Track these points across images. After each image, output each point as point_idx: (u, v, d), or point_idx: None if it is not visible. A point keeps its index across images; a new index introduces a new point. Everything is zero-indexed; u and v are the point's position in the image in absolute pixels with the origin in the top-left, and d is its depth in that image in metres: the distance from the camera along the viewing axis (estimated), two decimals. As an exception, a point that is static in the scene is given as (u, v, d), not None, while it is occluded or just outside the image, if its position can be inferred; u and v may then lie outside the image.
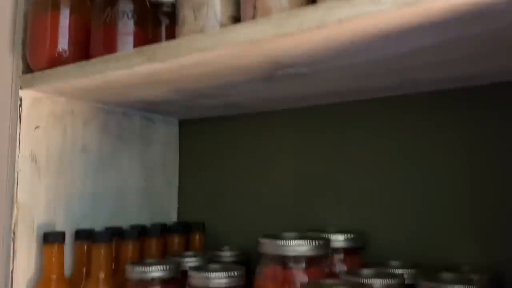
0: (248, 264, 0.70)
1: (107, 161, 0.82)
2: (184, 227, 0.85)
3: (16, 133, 0.68)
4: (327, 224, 0.76)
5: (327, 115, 0.80)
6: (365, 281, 0.55)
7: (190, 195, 0.95)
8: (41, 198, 0.71)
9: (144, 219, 0.87)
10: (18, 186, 0.68)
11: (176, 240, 0.83)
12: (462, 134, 0.68)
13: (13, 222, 0.67)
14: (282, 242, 0.59)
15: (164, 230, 0.82)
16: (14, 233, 0.67)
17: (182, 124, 0.98)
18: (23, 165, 0.68)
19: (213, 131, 0.94)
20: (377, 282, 0.54)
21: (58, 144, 0.74)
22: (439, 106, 0.70)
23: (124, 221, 0.81)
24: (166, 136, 0.94)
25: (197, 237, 0.86)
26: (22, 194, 0.68)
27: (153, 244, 0.79)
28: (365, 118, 0.76)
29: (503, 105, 0.65)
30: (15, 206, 0.67)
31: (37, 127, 0.70)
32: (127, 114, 0.86)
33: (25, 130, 0.69)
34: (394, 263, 0.66)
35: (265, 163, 0.86)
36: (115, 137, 0.84)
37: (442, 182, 0.69)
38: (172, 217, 0.93)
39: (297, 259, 0.59)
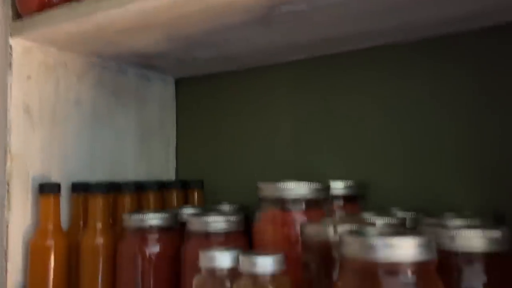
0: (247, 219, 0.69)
1: (103, 117, 0.80)
2: (182, 184, 0.84)
3: (7, 82, 0.67)
4: (327, 177, 0.75)
5: (324, 67, 0.78)
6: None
7: (188, 154, 0.94)
8: (35, 149, 0.69)
9: (142, 177, 0.85)
10: (11, 137, 0.66)
11: (174, 197, 0.82)
12: (462, 80, 0.67)
13: (7, 173, 0.66)
14: (282, 185, 0.58)
15: (162, 186, 0.81)
16: (8, 185, 0.66)
17: (178, 83, 0.96)
18: (15, 115, 0.67)
19: (209, 89, 0.92)
20: (379, 220, 0.53)
21: (51, 95, 0.72)
22: (438, 53, 0.68)
23: (121, 178, 0.80)
24: (163, 95, 0.93)
25: (196, 194, 0.85)
26: (16, 144, 0.67)
27: (151, 199, 0.78)
28: (363, 68, 0.75)
29: (505, 48, 0.64)
30: (8, 156, 0.66)
31: (28, 77, 0.69)
32: (122, 70, 0.84)
33: (16, 79, 0.67)
34: (394, 209, 0.66)
35: (262, 118, 0.85)
36: (110, 93, 0.82)
37: (442, 129, 0.68)
38: (170, 175, 0.92)
39: (296, 201, 0.58)
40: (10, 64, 0.66)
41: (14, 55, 0.67)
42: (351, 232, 0.41)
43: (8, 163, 0.66)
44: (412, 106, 0.70)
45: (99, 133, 0.80)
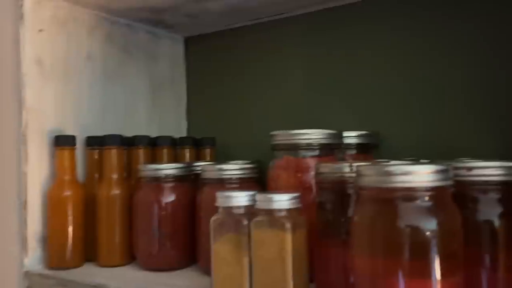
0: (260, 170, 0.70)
1: (114, 73, 0.81)
2: (194, 141, 0.85)
3: (20, 36, 0.67)
4: (339, 129, 0.75)
5: (335, 19, 0.77)
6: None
7: (199, 112, 0.95)
8: (49, 103, 0.70)
9: (154, 135, 0.86)
10: (25, 90, 0.67)
11: (186, 154, 0.83)
12: (474, 28, 0.66)
13: (23, 125, 0.67)
14: (295, 131, 0.59)
15: (174, 143, 0.82)
16: (24, 137, 0.67)
17: (188, 41, 0.95)
18: (29, 68, 0.67)
19: (218, 46, 0.91)
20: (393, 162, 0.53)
21: (63, 49, 0.72)
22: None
23: (134, 134, 0.80)
24: (172, 53, 0.93)
25: (208, 151, 0.85)
26: (30, 98, 0.67)
27: (164, 154, 0.78)
28: (374, 17, 0.74)
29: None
30: (24, 109, 0.67)
31: (40, 30, 0.69)
32: (131, 26, 0.84)
33: (28, 32, 0.67)
34: (409, 159, 0.66)
35: (273, 73, 0.85)
36: (120, 49, 0.82)
37: (454, 77, 0.67)
38: (182, 133, 0.93)
39: (309, 148, 0.58)
40: (21, 17, 0.66)
41: (25, 7, 0.67)
42: (367, 165, 0.42)
43: (24, 116, 0.67)
44: (423, 55, 0.70)
45: (111, 89, 0.80)
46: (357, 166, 0.42)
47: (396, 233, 0.37)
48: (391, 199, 0.38)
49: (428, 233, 0.37)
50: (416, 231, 0.37)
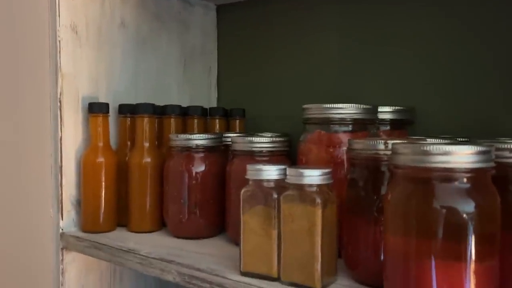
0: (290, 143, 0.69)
1: (146, 40, 0.80)
2: (224, 112, 0.84)
3: (55, 2, 0.67)
4: (373, 104, 0.73)
5: (376, -11, 0.74)
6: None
7: (229, 83, 0.94)
8: (83, 69, 0.71)
9: (184, 103, 0.86)
10: (61, 56, 0.67)
11: (216, 124, 0.83)
12: (529, -2, 0.62)
13: (59, 91, 0.68)
14: (328, 105, 0.57)
15: (205, 113, 0.82)
16: (60, 102, 0.68)
17: (220, 9, 0.94)
18: (64, 34, 0.68)
19: (250, 15, 0.89)
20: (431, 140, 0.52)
21: (97, 16, 0.72)
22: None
23: (165, 103, 0.80)
24: (204, 21, 0.91)
25: (237, 122, 0.85)
26: (66, 63, 0.68)
27: (195, 124, 0.79)
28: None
29: None
30: (59, 75, 0.68)
31: (75, -4, 0.69)
32: (164, -7, 0.83)
33: (63, -2, 0.67)
34: (445, 136, 0.63)
35: (306, 44, 0.83)
36: (153, 16, 0.81)
37: (492, 55, 0.64)
38: (212, 104, 0.93)
39: (342, 122, 0.57)
40: (56, -18, 0.67)
41: (61, -27, 0.67)
42: (404, 143, 0.40)
43: (60, 81, 0.68)
44: (465, 26, 0.66)
45: (143, 57, 0.80)
46: (393, 143, 0.41)
47: (431, 213, 0.36)
48: (428, 179, 0.37)
49: (465, 215, 0.36)
50: (453, 213, 0.36)
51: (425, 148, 0.37)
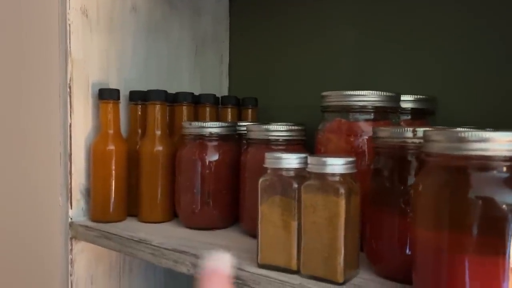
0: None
1: (158, 26, 0.78)
2: (236, 100, 0.82)
3: (65, -16, 0.65)
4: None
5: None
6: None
7: (241, 71, 0.92)
8: (94, 54, 0.69)
9: (195, 91, 0.84)
10: (71, 40, 0.65)
11: (228, 113, 0.81)
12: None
13: (69, 77, 0.66)
14: (348, 92, 0.55)
15: (216, 102, 0.80)
16: (70, 88, 0.66)
17: (232, -4, 0.91)
18: (74, 17, 0.66)
19: (264, 3, 0.87)
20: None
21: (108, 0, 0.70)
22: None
23: (175, 90, 0.78)
24: (216, 8, 0.89)
25: (250, 112, 0.83)
26: (76, 48, 0.66)
27: (207, 112, 0.77)
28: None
29: None
30: (69, 60, 0.66)
31: (86, -22, 0.66)
32: (176, -22, 0.81)
33: (74, -20, 0.65)
34: (468, 127, 0.61)
35: (321, 31, 0.80)
36: (165, 1, 0.79)
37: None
38: (223, 93, 0.91)
39: (363, 110, 0.55)
40: (67, -36, 0.64)
41: (71, -46, 0.64)
42: (437, 130, 0.38)
43: (69, 67, 0.66)
44: (489, 12, 0.63)
45: (154, 43, 0.78)
46: (424, 130, 0.38)
47: (466, 205, 0.34)
48: (463, 168, 0.35)
49: (504, 206, 0.33)
50: (490, 204, 0.34)
51: (461, 135, 0.34)
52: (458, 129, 0.37)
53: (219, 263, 0.21)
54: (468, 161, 0.34)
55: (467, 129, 0.35)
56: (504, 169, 0.34)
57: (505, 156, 0.34)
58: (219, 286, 0.20)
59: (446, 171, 0.36)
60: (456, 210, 0.35)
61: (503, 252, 0.33)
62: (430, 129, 0.39)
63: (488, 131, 0.35)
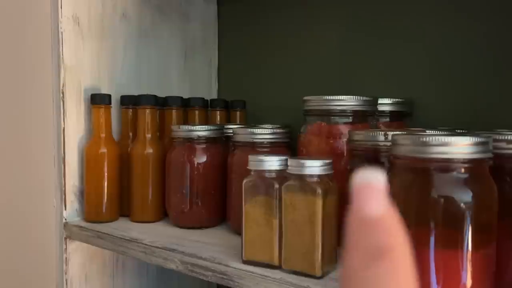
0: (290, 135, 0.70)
1: (148, 32, 0.81)
2: (225, 103, 0.85)
3: (58, -7, 0.67)
4: (372, 96, 0.74)
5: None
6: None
7: (230, 75, 0.94)
8: (86, 61, 0.71)
9: (185, 95, 0.87)
10: (63, 47, 0.68)
11: (217, 116, 0.84)
12: (528, -9, 0.62)
13: (61, 82, 0.68)
14: (328, 97, 0.58)
15: (206, 105, 0.82)
16: (63, 93, 0.68)
17: (221, 1, 0.94)
18: (66, 25, 0.68)
19: (251, 8, 0.90)
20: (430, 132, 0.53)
21: (99, 7, 0.72)
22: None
23: (165, 95, 0.81)
24: (205, 14, 0.92)
25: (238, 114, 0.86)
26: (68, 55, 0.69)
27: (196, 115, 0.79)
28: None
29: None
30: (62, 66, 0.68)
31: (77, -13, 0.69)
32: (165, -15, 0.83)
33: (65, -11, 0.68)
34: (443, 128, 0.64)
35: (306, 36, 0.83)
36: (155, 7, 0.82)
37: (495, 44, 0.64)
38: (213, 96, 0.94)
39: (342, 114, 0.58)
40: (59, -26, 0.67)
41: (62, -36, 0.67)
42: (404, 134, 0.41)
43: (62, 73, 0.68)
44: (462, 19, 0.67)
45: (144, 49, 0.80)
46: (393, 135, 0.41)
47: (429, 203, 0.37)
48: (427, 169, 0.38)
49: (462, 204, 0.37)
50: (450, 202, 0.37)
51: (424, 139, 0.38)
52: (422, 133, 0.40)
53: (373, 176, 0.19)
54: (431, 163, 0.38)
55: (430, 134, 0.39)
56: (463, 170, 0.37)
57: (463, 159, 0.37)
58: (374, 199, 0.19)
59: (411, 172, 0.39)
60: (421, 208, 0.38)
61: (461, 245, 0.37)
62: (398, 133, 0.42)
63: (450, 135, 0.38)
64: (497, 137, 0.41)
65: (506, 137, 0.41)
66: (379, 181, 0.19)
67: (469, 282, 0.37)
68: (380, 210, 0.19)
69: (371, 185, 0.19)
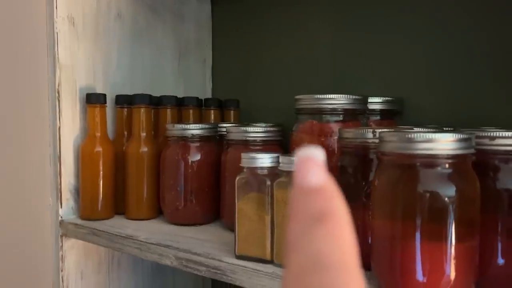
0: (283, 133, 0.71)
1: (142, 33, 0.82)
2: (219, 102, 0.86)
3: (53, -7, 0.68)
4: (363, 95, 0.75)
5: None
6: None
7: (224, 74, 0.96)
8: (81, 60, 0.72)
9: (179, 95, 0.88)
10: (58, 47, 0.69)
11: (211, 115, 0.85)
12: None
13: (57, 82, 0.69)
14: (320, 96, 0.59)
15: (200, 104, 0.83)
16: (58, 93, 0.69)
17: (214, 2, 0.95)
18: (61, 26, 0.69)
19: (245, 8, 0.91)
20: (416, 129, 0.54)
21: (93, 8, 0.73)
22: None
23: (160, 94, 0.82)
24: (199, 14, 0.93)
25: (232, 113, 0.87)
26: (63, 55, 0.69)
27: (190, 114, 0.80)
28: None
29: None
30: (57, 66, 0.69)
31: (72, -12, 0.70)
32: (159, -14, 0.84)
33: (60, -10, 0.68)
34: (432, 126, 0.66)
35: (299, 36, 0.84)
36: (149, 8, 0.83)
37: (481, 46, 0.66)
38: (207, 95, 0.95)
39: (333, 112, 0.59)
40: (54, -25, 0.68)
41: (58, -35, 0.68)
42: (390, 132, 0.43)
43: (58, 72, 0.69)
44: (449, 21, 0.68)
45: (139, 49, 0.81)
46: (380, 132, 0.43)
47: (415, 197, 0.39)
48: (412, 165, 0.39)
49: (446, 199, 0.38)
50: (435, 197, 0.38)
51: (409, 136, 0.39)
52: (408, 130, 0.41)
53: (313, 152, 0.20)
54: (416, 159, 0.39)
55: (416, 131, 0.40)
56: (447, 165, 0.39)
57: (447, 154, 0.39)
58: (315, 170, 0.20)
59: (398, 168, 0.41)
60: (407, 202, 0.40)
61: (445, 238, 0.38)
62: (385, 130, 0.43)
63: (435, 132, 0.40)
64: (480, 133, 0.42)
65: (489, 134, 0.42)
66: (319, 156, 0.20)
67: (453, 273, 0.39)
68: (320, 180, 0.20)
69: (312, 159, 0.20)
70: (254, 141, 0.63)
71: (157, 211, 0.72)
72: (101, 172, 0.70)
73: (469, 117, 0.67)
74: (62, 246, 0.70)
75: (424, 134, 0.38)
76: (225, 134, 0.67)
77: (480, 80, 0.66)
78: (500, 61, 0.65)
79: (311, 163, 0.20)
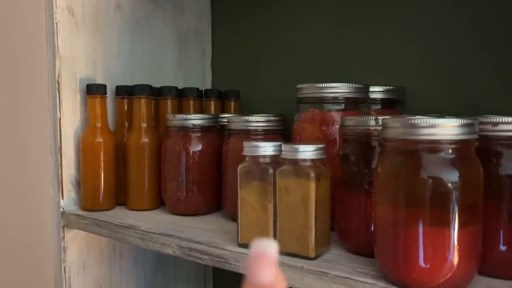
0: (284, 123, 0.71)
1: (142, 23, 0.81)
2: (219, 93, 0.86)
3: (52, -16, 0.68)
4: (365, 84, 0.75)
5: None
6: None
7: (224, 65, 0.95)
8: (81, 51, 0.72)
9: (179, 86, 0.88)
10: (58, 38, 0.68)
11: (211, 106, 0.85)
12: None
13: (57, 73, 0.69)
14: (321, 84, 0.59)
15: (200, 95, 0.83)
16: (58, 84, 0.69)
17: (214, -8, 0.95)
18: (61, 16, 0.69)
19: (245, 0, 0.91)
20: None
21: (93, -2, 0.73)
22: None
23: (161, 84, 0.82)
24: (199, 4, 0.92)
25: (232, 104, 0.87)
26: (63, 45, 0.69)
27: (190, 105, 0.80)
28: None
29: None
30: (57, 57, 0.69)
31: (71, -22, 0.69)
32: (158, -24, 0.84)
33: (60, -20, 0.68)
34: (433, 115, 0.66)
35: (299, 26, 0.84)
36: (148, -1, 0.82)
37: (483, 34, 0.66)
38: (206, 86, 0.94)
39: (335, 101, 0.59)
40: (53, -36, 0.67)
41: (56, -45, 0.67)
42: (394, 118, 0.43)
43: (57, 63, 0.69)
44: (451, 9, 0.68)
45: (138, 40, 0.81)
46: (383, 119, 0.43)
47: (418, 183, 0.39)
48: (415, 151, 0.39)
49: (449, 184, 0.38)
50: (438, 182, 0.38)
51: (413, 122, 0.39)
52: (411, 116, 0.41)
53: (266, 247, 0.22)
54: (420, 145, 0.39)
55: (419, 117, 0.40)
56: (450, 151, 0.39)
57: (450, 140, 0.39)
58: (267, 268, 0.21)
59: (401, 154, 0.41)
60: (410, 188, 0.40)
61: (448, 223, 0.38)
62: (388, 117, 0.43)
63: (439, 117, 0.40)
64: (483, 119, 0.42)
65: (491, 120, 0.42)
66: (271, 250, 0.22)
67: (456, 259, 0.39)
68: (271, 279, 0.21)
69: (265, 254, 0.22)
70: (256, 130, 0.63)
71: (159, 202, 0.72)
72: (102, 163, 0.70)
73: (471, 106, 0.67)
74: (64, 237, 0.70)
75: (428, 120, 0.38)
76: (226, 124, 0.67)
77: (482, 69, 0.66)
78: (501, 49, 0.64)
79: (264, 259, 0.21)
